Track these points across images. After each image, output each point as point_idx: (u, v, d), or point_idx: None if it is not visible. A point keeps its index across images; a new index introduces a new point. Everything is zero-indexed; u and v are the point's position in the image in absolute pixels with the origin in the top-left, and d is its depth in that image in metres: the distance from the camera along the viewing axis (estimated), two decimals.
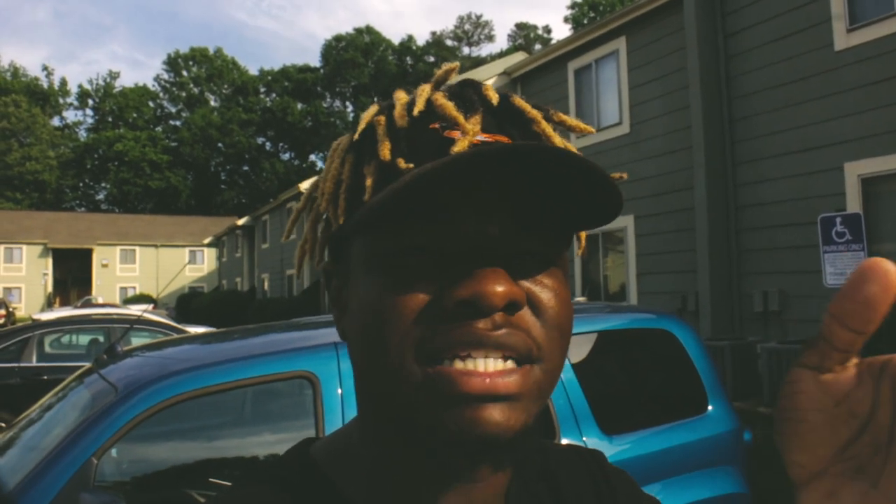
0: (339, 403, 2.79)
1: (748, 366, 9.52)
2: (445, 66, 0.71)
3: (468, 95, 0.67)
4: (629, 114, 12.96)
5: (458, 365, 0.57)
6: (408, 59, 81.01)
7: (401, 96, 0.69)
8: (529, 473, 0.78)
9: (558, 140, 0.68)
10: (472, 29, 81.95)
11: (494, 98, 0.67)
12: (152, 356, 3.18)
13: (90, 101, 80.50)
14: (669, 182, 11.99)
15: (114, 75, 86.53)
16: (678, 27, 11.81)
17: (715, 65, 11.32)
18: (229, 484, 0.72)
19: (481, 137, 0.62)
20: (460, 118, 0.62)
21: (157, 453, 2.85)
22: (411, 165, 0.60)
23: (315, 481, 0.69)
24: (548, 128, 0.68)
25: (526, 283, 0.61)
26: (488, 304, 0.56)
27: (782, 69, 10.33)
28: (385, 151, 0.63)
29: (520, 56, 18.93)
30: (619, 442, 3.25)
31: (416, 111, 0.64)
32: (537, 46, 67.84)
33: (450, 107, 0.63)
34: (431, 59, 79.16)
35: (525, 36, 78.51)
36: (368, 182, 0.63)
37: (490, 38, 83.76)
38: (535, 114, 0.68)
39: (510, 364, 0.58)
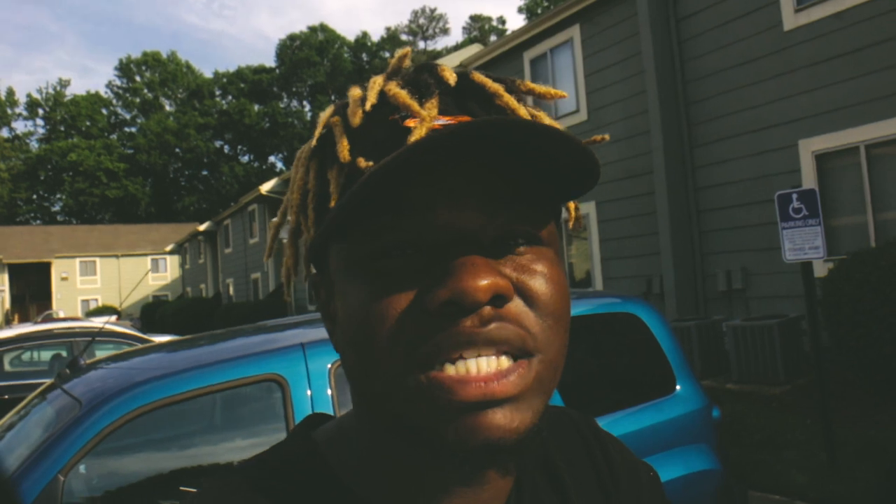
0: (309, 404, 2.78)
1: (715, 344, 9.65)
2: (398, 53, 0.69)
3: (424, 80, 0.64)
4: (586, 101, 13.02)
5: (451, 371, 0.55)
6: (363, 55, 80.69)
7: (354, 93, 0.66)
8: (528, 461, 0.76)
9: (524, 112, 0.66)
10: (427, 23, 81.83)
11: (451, 78, 0.64)
12: (117, 367, 3.12)
13: (40, 111, 78.85)
14: (629, 167, 12.07)
15: (64, 83, 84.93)
16: (631, 13, 11.89)
17: (668, 49, 11.42)
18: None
19: (442, 121, 0.60)
20: (414, 105, 0.60)
21: (127, 466, 2.80)
22: (371, 164, 0.58)
23: (315, 468, 0.68)
24: (511, 101, 0.65)
25: (512, 271, 0.58)
26: (471, 300, 0.54)
27: (734, 51, 10.45)
28: (344, 152, 0.61)
29: (475, 48, 18.97)
30: None
31: (368, 105, 0.62)
32: (493, 38, 68.02)
33: (403, 95, 0.61)
34: (387, 54, 78.84)
35: (480, 28, 78.60)
36: (332, 187, 0.61)
37: (445, 31, 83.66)
38: (496, 87, 0.66)
39: (506, 361, 0.56)
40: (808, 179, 9.33)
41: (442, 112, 0.61)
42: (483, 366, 0.55)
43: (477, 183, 0.58)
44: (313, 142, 0.66)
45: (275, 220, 0.74)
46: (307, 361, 2.85)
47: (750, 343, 8.73)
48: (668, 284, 11.18)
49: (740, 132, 10.41)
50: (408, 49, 0.70)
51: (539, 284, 0.59)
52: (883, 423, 6.64)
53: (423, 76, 0.65)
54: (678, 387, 3.73)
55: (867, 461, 5.83)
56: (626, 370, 3.92)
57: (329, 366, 2.88)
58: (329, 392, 2.84)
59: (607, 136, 0.72)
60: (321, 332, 3.19)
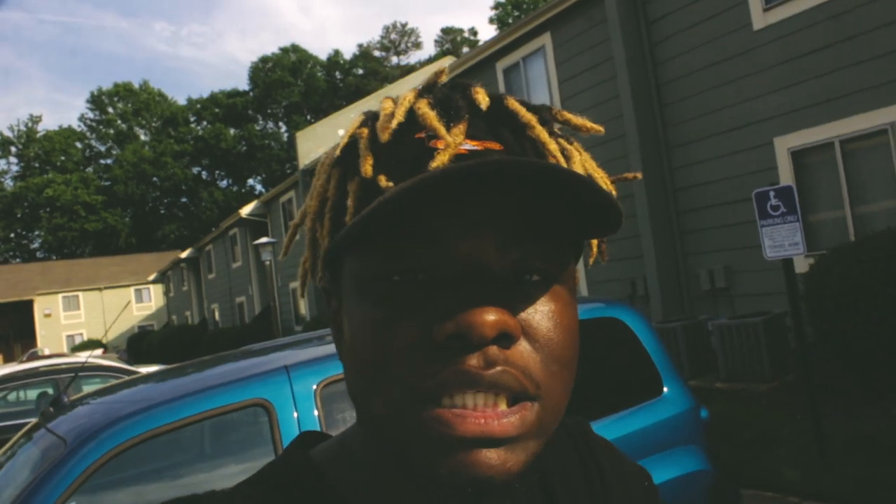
0: (296, 427, 2.76)
1: (701, 344, 9.68)
2: (434, 69, 0.68)
3: (455, 101, 0.63)
4: (560, 108, 13.04)
5: (449, 404, 0.54)
6: (337, 73, 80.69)
7: (386, 106, 0.65)
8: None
9: (554, 147, 0.65)
10: (399, 38, 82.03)
11: (484, 102, 0.63)
12: (101, 402, 3.10)
13: (13, 149, 78.12)
14: (607, 171, 12.01)
15: (35, 119, 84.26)
16: (601, 19, 11.95)
17: (640, 53, 11.49)
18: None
19: (469, 146, 0.59)
20: (441, 129, 0.59)
21: (117, 500, 2.78)
22: (391, 184, 0.57)
23: (315, 485, 0.67)
24: (542, 133, 0.64)
25: (523, 310, 0.57)
26: (477, 336, 0.52)
27: (705, 52, 10.54)
28: (367, 167, 0.60)
29: (448, 61, 19.02)
30: None
31: (394, 123, 0.61)
32: (465, 49, 68.23)
33: (431, 116, 0.60)
34: (360, 71, 79.03)
35: (452, 40, 78.76)
36: (350, 201, 0.61)
37: (417, 45, 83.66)
38: (530, 117, 0.64)
39: (504, 405, 0.55)
40: (785, 176, 9.40)
41: (470, 136, 0.60)
42: (481, 402, 0.54)
43: (494, 215, 0.56)
44: (338, 151, 0.65)
45: (294, 221, 0.73)
46: (292, 384, 2.84)
47: (736, 341, 8.77)
48: (652, 286, 11.21)
49: (716, 132, 10.48)
50: (445, 66, 0.70)
51: (548, 329, 0.58)
52: (871, 416, 6.68)
53: (455, 95, 0.64)
54: (665, 389, 3.73)
55: (857, 454, 5.86)
56: (612, 375, 3.92)
57: (314, 387, 2.87)
58: (316, 413, 2.83)
59: (639, 175, 0.71)
60: (305, 354, 3.18)
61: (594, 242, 0.73)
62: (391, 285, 0.57)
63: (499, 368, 0.54)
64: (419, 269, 0.57)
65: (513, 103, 0.65)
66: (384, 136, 0.61)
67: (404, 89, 0.67)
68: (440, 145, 0.58)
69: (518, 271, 0.58)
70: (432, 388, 0.54)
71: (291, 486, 0.68)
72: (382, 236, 0.56)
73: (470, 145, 0.59)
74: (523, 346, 0.56)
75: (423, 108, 0.61)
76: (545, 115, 0.67)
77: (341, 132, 0.68)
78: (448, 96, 0.64)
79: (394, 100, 0.66)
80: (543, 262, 0.59)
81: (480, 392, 0.54)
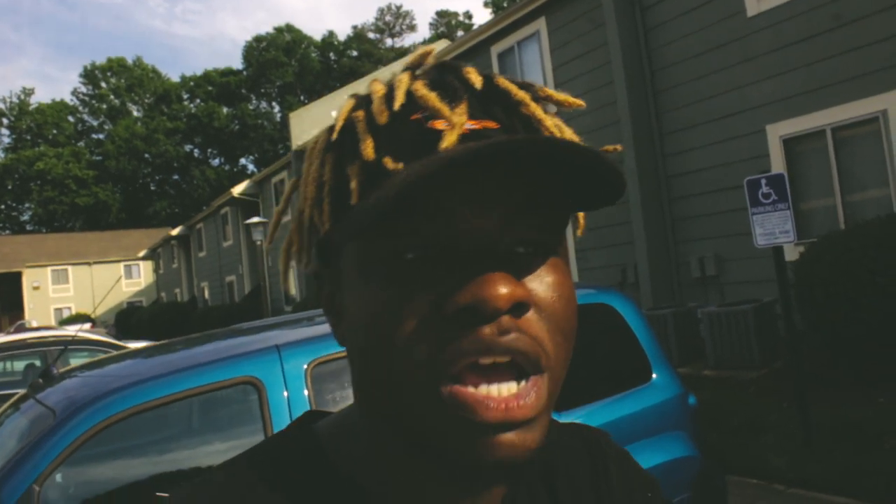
0: (286, 407, 2.77)
1: (690, 331, 9.71)
2: (420, 50, 0.68)
3: (449, 81, 0.63)
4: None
5: (472, 389, 0.55)
6: (331, 55, 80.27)
7: (377, 88, 0.65)
8: (530, 472, 0.76)
9: (549, 121, 0.66)
10: (394, 20, 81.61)
11: (478, 82, 0.64)
12: (90, 375, 3.10)
13: (4, 121, 77.58)
14: None
15: (28, 92, 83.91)
16: (596, 4, 11.91)
17: (634, 38, 11.47)
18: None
19: (469, 125, 0.59)
20: (445, 110, 0.59)
21: (104, 474, 2.78)
22: (400, 165, 0.57)
23: (316, 461, 0.67)
24: (537, 110, 0.65)
25: (529, 282, 0.58)
26: (492, 307, 0.53)
27: (699, 38, 10.52)
28: (369, 150, 0.60)
29: (443, 44, 18.96)
30: (569, 417, 3.28)
31: (396, 105, 0.61)
32: (459, 33, 67.96)
33: (433, 98, 0.60)
34: (355, 53, 78.65)
35: (447, 23, 78.46)
36: (353, 184, 0.60)
37: (412, 27, 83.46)
38: (523, 95, 0.65)
39: (523, 384, 0.56)
40: (777, 164, 9.42)
41: (469, 116, 0.61)
42: (504, 390, 0.55)
43: (500, 190, 0.57)
44: (335, 135, 0.64)
45: (278, 207, 0.73)
46: (283, 363, 2.84)
47: (725, 329, 8.80)
48: (642, 273, 11.24)
49: (709, 119, 10.48)
50: (432, 47, 0.70)
51: (553, 299, 0.59)
52: (858, 403, 6.73)
53: (447, 77, 0.64)
54: (654, 375, 3.75)
55: (844, 441, 5.90)
56: (602, 361, 3.94)
57: (305, 366, 2.87)
58: (306, 393, 2.83)
59: (620, 147, 0.72)
60: (296, 334, 3.18)
61: (581, 215, 0.74)
62: (398, 264, 0.57)
63: (513, 335, 0.55)
64: (428, 245, 0.57)
65: (503, 82, 0.65)
66: (382, 119, 0.61)
67: (397, 71, 0.67)
68: (440, 126, 0.58)
69: (522, 244, 0.59)
70: (447, 358, 0.55)
71: (292, 461, 0.68)
72: (392, 216, 0.55)
73: (470, 125, 0.60)
74: (533, 316, 0.57)
75: (422, 89, 0.61)
76: (535, 93, 0.68)
77: (334, 113, 0.67)
78: (441, 77, 0.64)
79: (383, 82, 0.66)
80: (545, 236, 0.60)
81: (503, 382, 0.55)
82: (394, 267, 0.57)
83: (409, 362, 0.56)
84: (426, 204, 0.56)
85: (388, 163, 0.58)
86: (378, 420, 0.63)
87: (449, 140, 0.56)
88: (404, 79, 0.64)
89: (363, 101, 0.65)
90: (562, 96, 0.69)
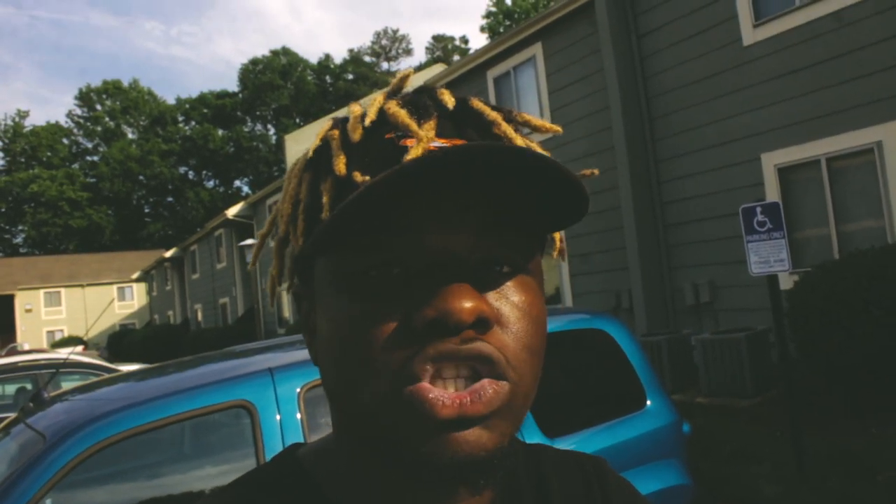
0: (279, 430, 2.74)
1: (684, 358, 9.69)
2: (399, 74, 0.70)
3: (423, 102, 0.65)
4: (550, 118, 13.08)
5: (428, 388, 0.55)
6: (327, 77, 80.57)
7: (355, 109, 0.67)
8: (519, 484, 0.77)
9: (520, 141, 0.67)
10: (390, 44, 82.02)
11: (450, 102, 0.66)
12: (81, 399, 3.07)
13: None
14: (595, 183, 12.14)
15: (22, 114, 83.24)
16: (592, 30, 12.00)
17: (630, 65, 11.53)
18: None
19: (437, 143, 0.60)
20: (412, 125, 0.61)
21: (95, 499, 2.75)
22: (367, 178, 0.59)
23: (300, 483, 0.69)
24: (509, 129, 0.66)
25: (495, 300, 0.59)
26: (456, 320, 0.54)
27: (695, 66, 10.59)
28: (340, 166, 0.62)
29: (439, 68, 19.06)
30: (562, 444, 3.25)
31: (367, 122, 0.63)
32: (456, 57, 68.28)
33: (402, 114, 0.62)
34: (350, 76, 78.95)
35: (443, 48, 78.83)
36: (325, 199, 0.62)
37: (408, 51, 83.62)
38: (495, 115, 0.66)
39: (480, 383, 0.56)
40: (772, 193, 9.45)
41: (439, 135, 0.63)
42: (460, 385, 0.56)
43: (467, 207, 0.58)
44: (310, 153, 0.67)
45: (262, 230, 0.75)
46: (275, 386, 2.82)
47: (719, 356, 8.79)
48: (636, 299, 11.23)
49: (704, 146, 10.53)
50: (410, 70, 0.71)
51: (518, 317, 0.60)
52: (852, 433, 6.71)
53: (422, 98, 0.66)
54: (648, 402, 3.73)
55: (838, 469, 5.87)
56: (596, 387, 3.92)
57: (298, 390, 2.85)
58: (298, 416, 2.81)
59: (596, 171, 0.73)
60: (290, 357, 3.16)
61: (557, 236, 0.75)
62: (368, 279, 0.58)
63: (477, 343, 0.57)
64: (395, 261, 0.58)
65: (477, 104, 0.67)
66: (356, 136, 0.63)
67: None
68: (411, 143, 0.60)
69: (490, 262, 0.60)
70: (411, 366, 0.56)
71: (277, 486, 0.69)
72: (358, 231, 0.57)
73: (439, 143, 0.61)
74: (497, 331, 0.58)
75: (393, 107, 0.63)
76: (507, 114, 0.69)
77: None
78: (415, 99, 0.66)
79: (362, 105, 0.68)
80: (513, 254, 0.61)
81: (461, 369, 0.56)
82: (363, 282, 0.58)
83: (377, 374, 0.57)
84: (396, 221, 0.57)
85: (357, 176, 0.60)
86: (354, 436, 0.65)
87: (414, 153, 0.58)
88: (379, 98, 0.66)
89: (340, 122, 0.68)
90: (539, 121, 0.71)
